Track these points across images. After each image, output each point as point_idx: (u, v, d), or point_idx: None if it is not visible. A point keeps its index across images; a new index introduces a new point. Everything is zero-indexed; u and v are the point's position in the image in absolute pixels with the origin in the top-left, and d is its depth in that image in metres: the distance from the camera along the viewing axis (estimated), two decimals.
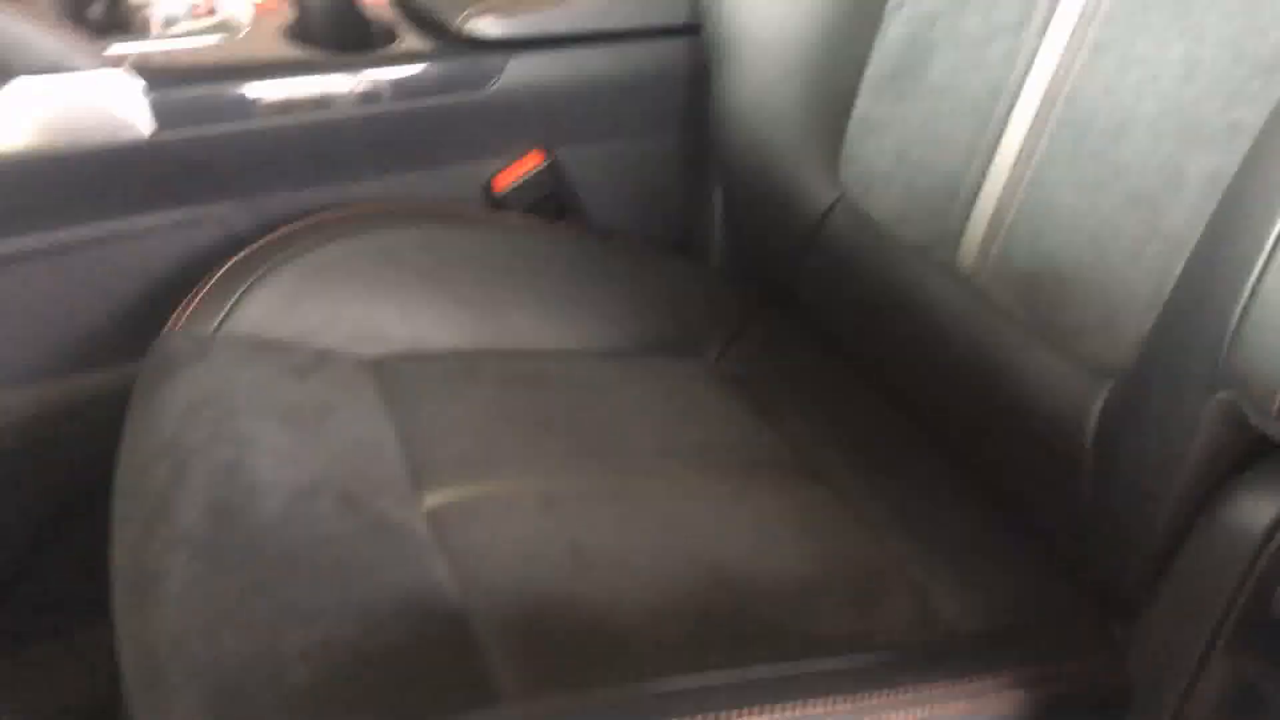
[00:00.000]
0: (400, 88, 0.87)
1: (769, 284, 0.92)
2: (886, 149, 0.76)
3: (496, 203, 0.94)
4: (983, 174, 0.69)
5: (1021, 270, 0.66)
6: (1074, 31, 0.64)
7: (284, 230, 0.84)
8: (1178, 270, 0.57)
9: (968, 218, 0.70)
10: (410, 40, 0.90)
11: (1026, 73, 0.67)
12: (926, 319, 0.74)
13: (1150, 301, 0.58)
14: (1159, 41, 0.59)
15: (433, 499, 0.66)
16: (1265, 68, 0.53)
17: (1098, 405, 0.61)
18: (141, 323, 0.81)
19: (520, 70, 0.89)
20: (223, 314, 0.77)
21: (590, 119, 0.94)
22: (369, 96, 0.86)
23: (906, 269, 0.76)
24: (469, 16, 0.88)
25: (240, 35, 0.89)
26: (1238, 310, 0.47)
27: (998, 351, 0.69)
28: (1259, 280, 0.46)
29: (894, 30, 0.76)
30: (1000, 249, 0.68)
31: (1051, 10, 0.65)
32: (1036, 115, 0.66)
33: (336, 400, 0.73)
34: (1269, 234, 0.46)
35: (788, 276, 0.87)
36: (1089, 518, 0.62)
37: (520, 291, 0.86)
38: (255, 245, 0.82)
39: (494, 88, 0.89)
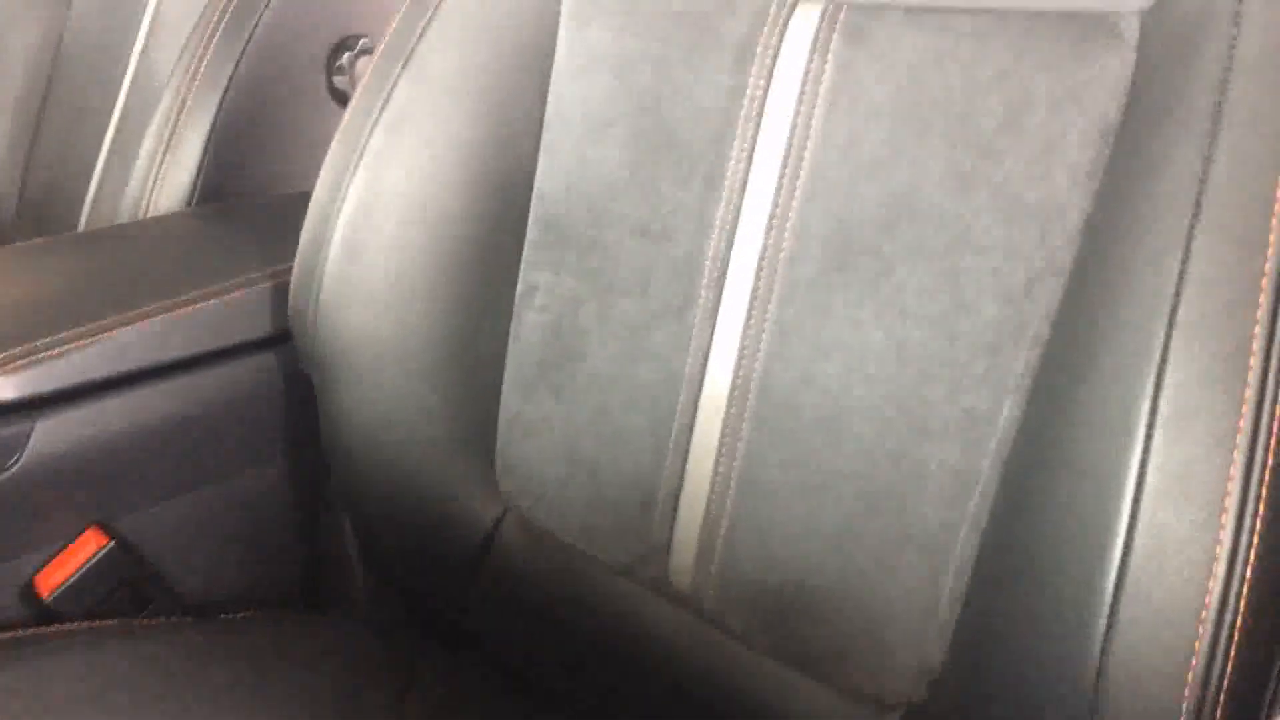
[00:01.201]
0: None
1: (431, 627, 0.75)
2: (553, 453, 0.65)
3: (47, 613, 0.69)
4: (679, 476, 0.59)
5: (754, 589, 0.56)
6: (749, 315, 0.56)
7: None
8: (947, 582, 0.49)
9: (672, 528, 0.60)
10: None
11: (705, 361, 0.58)
12: (644, 647, 0.62)
13: (921, 620, 0.50)
14: (853, 323, 0.52)
15: None
16: (988, 347, 0.48)
17: None
18: None
19: (53, 434, 0.66)
20: None
21: (161, 472, 0.72)
22: None
23: (607, 590, 0.63)
24: None
25: None
26: (1094, 651, 0.39)
27: (744, 683, 0.58)
28: (1113, 613, 0.38)
29: (531, 318, 0.66)
30: (721, 565, 0.58)
31: (716, 293, 0.58)
32: (729, 408, 0.57)
33: None
34: (1109, 556, 0.38)
35: (453, 614, 0.71)
36: None
37: None
38: None
39: (17, 465, 0.66)
